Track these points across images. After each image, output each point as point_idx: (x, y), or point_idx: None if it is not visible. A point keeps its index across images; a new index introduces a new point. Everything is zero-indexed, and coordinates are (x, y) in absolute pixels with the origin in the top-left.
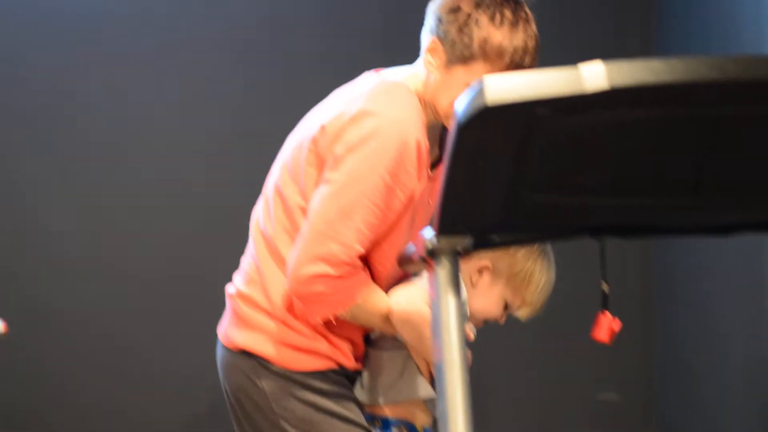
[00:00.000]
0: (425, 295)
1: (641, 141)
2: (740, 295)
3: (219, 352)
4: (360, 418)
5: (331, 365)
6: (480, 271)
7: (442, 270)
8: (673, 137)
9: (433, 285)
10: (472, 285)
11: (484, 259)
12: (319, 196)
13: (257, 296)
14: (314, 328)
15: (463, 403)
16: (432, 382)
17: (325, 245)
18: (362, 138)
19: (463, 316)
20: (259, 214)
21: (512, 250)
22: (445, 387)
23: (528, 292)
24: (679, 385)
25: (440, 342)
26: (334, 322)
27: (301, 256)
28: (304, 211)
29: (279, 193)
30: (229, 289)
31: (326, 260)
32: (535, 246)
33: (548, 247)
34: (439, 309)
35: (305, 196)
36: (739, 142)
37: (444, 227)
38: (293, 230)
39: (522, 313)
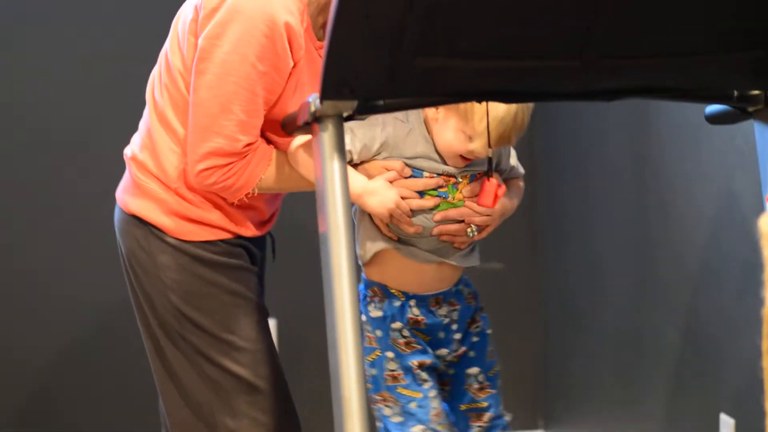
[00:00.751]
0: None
1: (524, 3)
2: (623, 164)
3: (116, 214)
4: (250, 291)
5: (225, 235)
6: (432, 118)
7: (327, 135)
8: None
9: (318, 150)
10: (433, 121)
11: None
12: (197, 88)
13: (150, 163)
14: (208, 199)
15: (348, 273)
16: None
17: (210, 140)
18: (225, 21)
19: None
20: (153, 79)
21: None
22: (330, 254)
23: (476, 122)
24: (561, 251)
25: (325, 208)
26: (246, 199)
27: (191, 153)
28: (183, 77)
29: (167, 58)
30: (127, 151)
31: (213, 154)
32: None
33: None
34: (324, 174)
35: (185, 64)
36: (624, 6)
37: (328, 91)
38: (178, 96)
39: (475, 146)
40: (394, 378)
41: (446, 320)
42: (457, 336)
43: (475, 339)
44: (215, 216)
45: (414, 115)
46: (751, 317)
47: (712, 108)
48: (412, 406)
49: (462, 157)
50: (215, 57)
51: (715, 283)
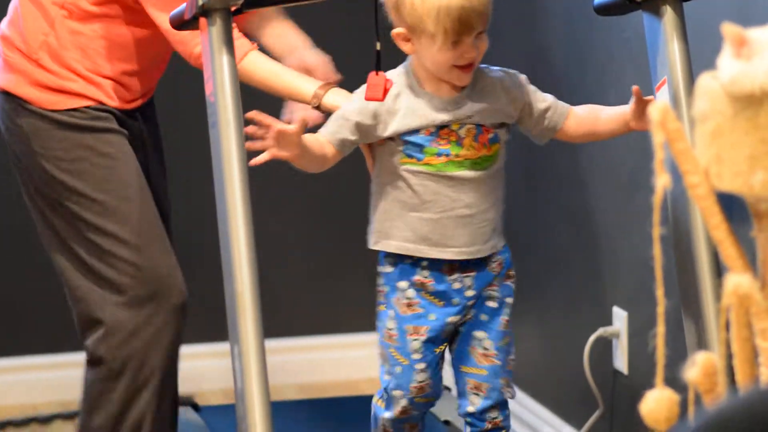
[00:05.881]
0: None
1: None
2: (513, 58)
3: None
4: (122, 153)
5: (88, 102)
6: (405, 40)
7: (215, 29)
8: None
9: (206, 46)
10: (414, 56)
11: (396, 30)
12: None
13: (15, 37)
14: (68, 68)
15: (238, 167)
16: None
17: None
18: None
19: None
20: None
21: None
22: (220, 147)
23: (428, 24)
24: None
25: (216, 103)
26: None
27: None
28: None
29: None
30: None
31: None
32: None
33: None
34: (213, 69)
35: None
36: None
37: None
38: None
39: (440, 44)
40: (390, 337)
41: (458, 285)
42: (471, 303)
43: (489, 303)
44: (78, 85)
45: (395, 75)
46: (642, 210)
47: None
48: (397, 370)
49: (460, 68)
50: None
51: (605, 177)
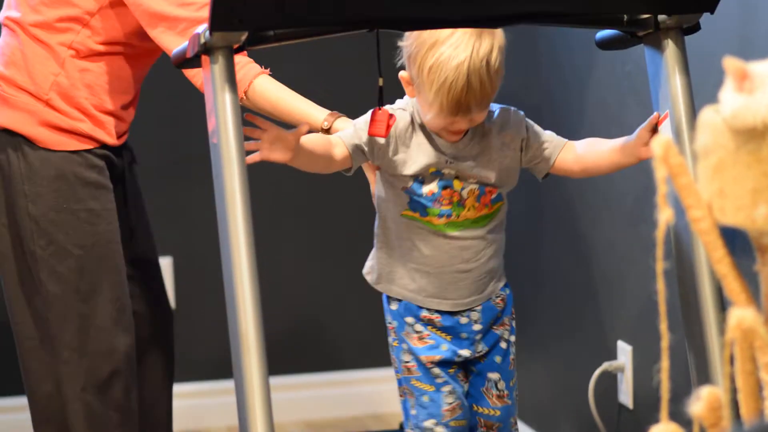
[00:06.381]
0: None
1: None
2: (516, 94)
3: None
4: (106, 210)
5: (92, 145)
6: (408, 84)
7: (217, 67)
8: None
9: (208, 83)
10: (411, 97)
11: (403, 73)
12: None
13: (19, 77)
14: (78, 108)
15: (242, 211)
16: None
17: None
18: None
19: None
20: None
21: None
22: (224, 189)
23: (427, 91)
24: None
25: (219, 143)
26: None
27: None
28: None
29: None
30: None
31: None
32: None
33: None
34: (216, 108)
35: None
36: None
37: (218, 22)
38: (51, 15)
39: (432, 115)
40: (409, 370)
41: (465, 320)
42: (479, 336)
43: (502, 344)
44: (86, 126)
45: (404, 103)
46: (646, 244)
47: (603, 33)
48: (425, 399)
49: (454, 131)
50: None
51: (609, 211)
